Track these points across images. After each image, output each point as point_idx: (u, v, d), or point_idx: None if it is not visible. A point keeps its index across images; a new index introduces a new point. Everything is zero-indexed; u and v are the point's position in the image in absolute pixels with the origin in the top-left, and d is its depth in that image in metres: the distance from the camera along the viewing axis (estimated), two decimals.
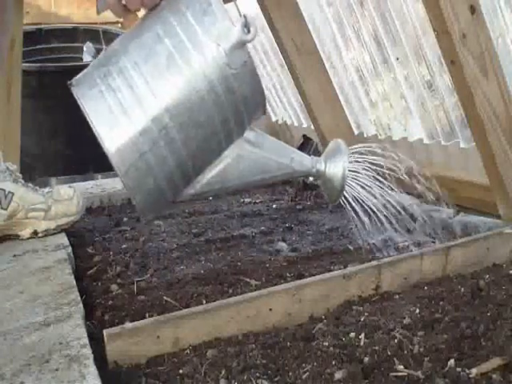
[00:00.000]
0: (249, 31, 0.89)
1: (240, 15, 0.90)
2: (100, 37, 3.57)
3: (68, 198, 1.67)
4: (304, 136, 2.29)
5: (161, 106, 0.89)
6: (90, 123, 0.90)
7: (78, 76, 0.97)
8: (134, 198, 0.95)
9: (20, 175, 1.68)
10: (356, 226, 1.24)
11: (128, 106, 0.89)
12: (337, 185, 1.13)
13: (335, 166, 1.12)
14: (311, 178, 2.00)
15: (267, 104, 2.89)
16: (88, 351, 0.95)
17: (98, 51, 3.39)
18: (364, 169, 1.19)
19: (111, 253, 1.56)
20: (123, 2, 0.95)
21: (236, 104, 0.93)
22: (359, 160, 1.20)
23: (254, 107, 0.98)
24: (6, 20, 1.91)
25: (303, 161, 1.12)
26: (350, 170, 1.14)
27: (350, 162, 1.15)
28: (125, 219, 1.92)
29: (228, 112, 0.93)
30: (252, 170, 1.04)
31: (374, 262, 1.23)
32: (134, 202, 0.96)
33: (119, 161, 0.91)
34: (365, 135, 2.24)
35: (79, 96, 0.92)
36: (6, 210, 1.58)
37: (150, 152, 0.90)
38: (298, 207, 1.98)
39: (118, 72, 0.91)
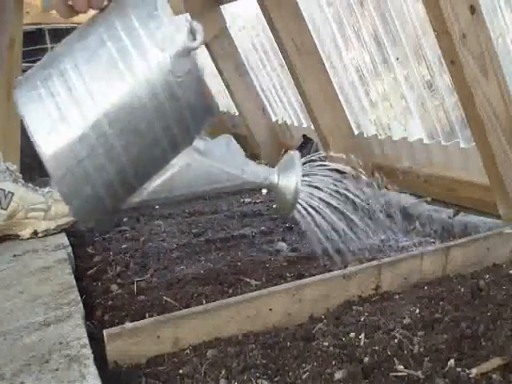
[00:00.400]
0: (195, 38, 0.87)
1: (186, 21, 0.87)
2: None
3: None
4: (304, 136, 2.29)
5: (100, 112, 0.86)
6: (26, 127, 0.88)
7: (21, 77, 0.94)
8: (69, 205, 0.92)
9: (20, 175, 1.68)
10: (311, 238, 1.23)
11: (66, 110, 0.87)
12: (289, 198, 1.11)
13: (288, 178, 1.11)
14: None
15: (267, 104, 2.89)
16: (88, 351, 0.95)
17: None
18: (317, 182, 1.18)
19: (111, 253, 1.57)
20: (69, 2, 0.92)
21: (181, 112, 0.91)
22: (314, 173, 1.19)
23: (202, 116, 0.96)
24: (6, 20, 1.91)
25: (256, 172, 1.09)
26: (304, 183, 1.14)
27: (304, 176, 1.15)
28: (125, 219, 1.92)
29: (172, 120, 0.91)
30: (201, 179, 1.01)
31: (374, 262, 1.23)
32: (69, 208, 0.93)
33: (55, 166, 0.88)
34: (365, 135, 2.24)
35: (17, 99, 0.90)
36: (5, 210, 1.58)
37: (88, 158, 0.87)
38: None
39: (58, 75, 0.88)
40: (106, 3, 0.92)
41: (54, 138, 0.87)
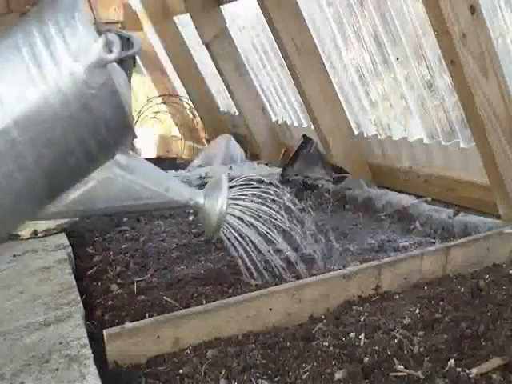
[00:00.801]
0: (111, 51, 0.85)
1: (101, 34, 0.85)
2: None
3: None
4: (304, 136, 2.29)
5: (9, 119, 0.83)
6: None
7: None
8: None
9: None
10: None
11: None
12: (213, 220, 1.10)
13: (214, 201, 1.10)
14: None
15: (267, 104, 2.89)
16: (88, 351, 0.95)
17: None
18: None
19: (111, 253, 1.56)
20: None
21: (95, 124, 0.88)
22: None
23: (120, 130, 0.92)
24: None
25: (181, 191, 1.07)
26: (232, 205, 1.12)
27: (230, 199, 1.14)
28: (125, 219, 1.92)
29: (86, 132, 0.87)
30: (121, 195, 1.00)
31: (374, 262, 1.23)
32: None
33: None
34: (365, 135, 2.24)
35: None
36: None
37: None
38: (297, 207, 1.97)
39: None
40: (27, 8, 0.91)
41: None
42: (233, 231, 1.16)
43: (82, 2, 0.86)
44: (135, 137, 0.99)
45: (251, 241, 1.19)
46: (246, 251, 1.20)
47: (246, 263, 1.23)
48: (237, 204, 1.16)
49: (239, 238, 1.17)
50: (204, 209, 1.11)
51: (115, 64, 0.91)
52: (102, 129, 0.88)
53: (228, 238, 1.17)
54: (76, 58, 0.84)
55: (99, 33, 0.86)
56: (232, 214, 1.15)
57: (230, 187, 1.17)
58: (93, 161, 0.93)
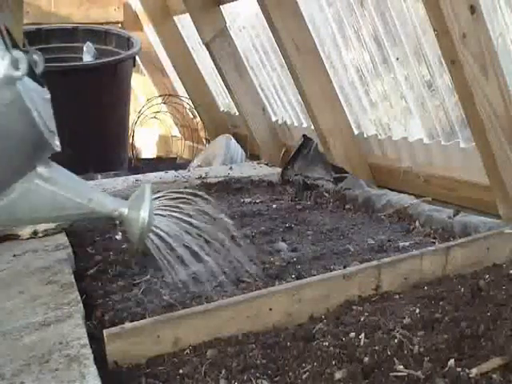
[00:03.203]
0: (18, 67, 0.85)
1: (7, 50, 0.86)
2: (100, 37, 3.57)
3: None
4: (304, 136, 2.29)
5: None
6: None
7: None
8: None
9: None
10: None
11: None
12: (136, 232, 1.10)
13: (137, 211, 1.09)
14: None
15: (267, 104, 2.89)
16: (88, 351, 0.95)
17: (98, 51, 3.39)
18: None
19: (111, 253, 1.56)
20: None
21: (9, 140, 0.89)
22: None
23: (36, 144, 0.94)
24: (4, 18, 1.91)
25: (104, 202, 1.07)
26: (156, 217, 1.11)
27: (155, 209, 1.13)
28: None
29: (1, 146, 0.89)
30: (43, 206, 1.01)
31: (374, 262, 1.23)
32: None
33: None
34: (365, 135, 2.24)
35: None
36: None
37: None
38: (297, 207, 1.97)
39: None
40: None
41: None
42: (159, 243, 1.16)
43: None
44: (54, 150, 0.99)
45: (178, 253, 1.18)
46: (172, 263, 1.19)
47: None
48: (163, 215, 1.16)
49: (166, 249, 1.16)
50: (128, 219, 1.10)
51: (29, 80, 0.90)
52: (17, 144, 0.90)
53: (157, 251, 1.16)
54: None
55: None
56: (158, 226, 1.14)
57: (156, 198, 1.16)
58: (12, 173, 0.94)
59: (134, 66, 3.37)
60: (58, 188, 1.02)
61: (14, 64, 0.85)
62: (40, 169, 0.99)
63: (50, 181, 1.01)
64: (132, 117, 3.73)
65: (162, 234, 1.15)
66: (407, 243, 1.49)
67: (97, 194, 1.10)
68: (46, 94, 0.99)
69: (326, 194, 2.03)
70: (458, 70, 1.37)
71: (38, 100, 0.93)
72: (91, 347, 0.96)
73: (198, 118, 3.73)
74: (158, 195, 1.20)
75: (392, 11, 1.84)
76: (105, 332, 0.99)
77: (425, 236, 1.55)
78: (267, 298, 1.10)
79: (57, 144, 0.99)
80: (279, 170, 2.37)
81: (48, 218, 1.04)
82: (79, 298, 1.18)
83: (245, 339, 1.04)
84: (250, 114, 2.78)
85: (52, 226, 1.64)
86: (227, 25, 2.76)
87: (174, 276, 1.20)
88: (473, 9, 1.33)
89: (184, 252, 1.18)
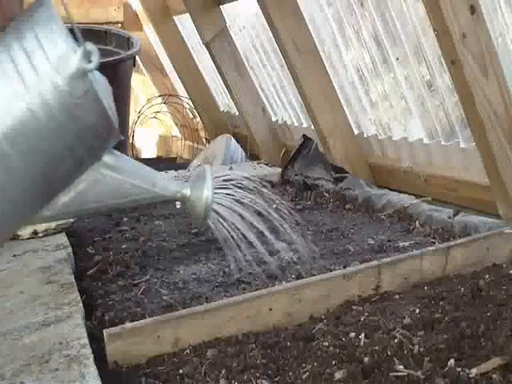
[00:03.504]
0: (90, 60, 0.87)
1: (81, 43, 0.88)
2: (100, 37, 3.57)
3: None
4: (304, 136, 2.29)
5: None
6: None
7: None
8: None
9: None
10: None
11: None
12: (200, 210, 1.11)
13: (199, 191, 1.11)
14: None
15: (267, 104, 2.89)
16: (88, 351, 0.95)
17: (99, 51, 3.38)
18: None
19: (111, 253, 1.56)
20: None
21: (81, 132, 0.91)
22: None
23: (105, 134, 0.96)
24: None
25: (167, 186, 1.10)
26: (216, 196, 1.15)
27: (216, 188, 1.17)
28: (125, 219, 1.92)
29: (73, 140, 0.91)
30: (110, 194, 1.03)
31: (374, 262, 1.23)
32: None
33: None
34: (365, 135, 2.24)
35: None
36: None
37: None
38: (298, 207, 1.97)
39: None
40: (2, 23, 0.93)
41: None
42: (221, 220, 1.18)
43: (58, 15, 0.88)
44: (120, 138, 1.02)
45: (240, 230, 1.21)
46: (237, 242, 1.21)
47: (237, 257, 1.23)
48: (223, 193, 1.18)
49: (228, 227, 1.19)
50: (190, 200, 1.12)
51: (96, 72, 0.93)
52: (88, 135, 0.92)
53: (217, 228, 1.19)
54: (57, 70, 0.86)
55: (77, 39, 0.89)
56: (219, 203, 1.16)
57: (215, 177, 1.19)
58: (81, 165, 0.96)
59: (134, 66, 3.37)
60: (124, 175, 1.04)
61: (87, 56, 0.87)
62: (106, 158, 1.00)
63: (115, 169, 1.02)
64: (132, 117, 3.73)
65: (224, 212, 1.16)
66: (407, 243, 1.49)
67: (159, 178, 1.12)
68: (107, 84, 1.01)
69: (326, 194, 2.03)
70: (458, 70, 1.37)
71: (104, 90, 0.96)
72: (91, 347, 0.96)
73: (198, 118, 3.73)
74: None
75: (392, 11, 1.84)
76: (105, 332, 0.99)
77: (425, 236, 1.55)
78: (267, 297, 1.10)
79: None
80: (279, 170, 2.37)
81: (113, 205, 1.06)
82: (79, 298, 1.18)
83: (245, 339, 1.04)
84: (250, 113, 2.78)
85: (52, 225, 1.64)
86: (227, 25, 2.76)
87: (238, 256, 1.21)
88: (473, 9, 1.33)
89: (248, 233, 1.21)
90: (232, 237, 1.19)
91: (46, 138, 0.89)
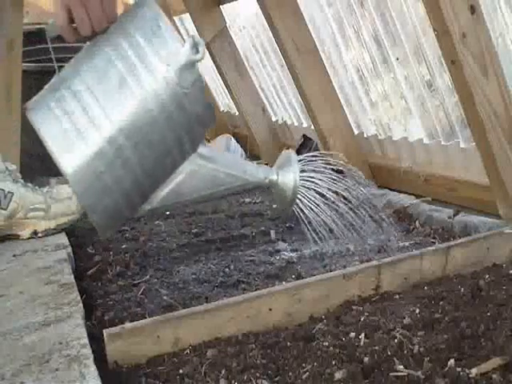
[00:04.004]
0: (197, 51, 0.93)
1: (189, 36, 0.95)
2: None
3: (67, 196, 1.67)
4: (304, 136, 2.29)
5: (115, 128, 0.92)
6: (47, 147, 0.93)
7: (33, 100, 0.98)
8: (91, 217, 0.97)
9: (19, 175, 1.68)
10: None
11: (83, 128, 0.91)
12: (288, 194, 1.14)
13: (287, 176, 1.14)
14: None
15: (267, 104, 2.89)
16: (88, 351, 0.95)
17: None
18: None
19: (111, 253, 1.56)
20: (74, 25, 1.00)
21: (188, 121, 0.96)
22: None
23: (206, 123, 1.01)
24: (4, 19, 1.91)
25: (256, 172, 1.14)
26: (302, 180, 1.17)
27: (302, 172, 1.17)
28: None
29: (181, 130, 0.96)
30: (206, 183, 1.06)
31: (374, 262, 1.23)
32: (92, 220, 0.98)
33: (76, 182, 0.93)
34: (365, 135, 2.24)
35: (34, 120, 0.94)
36: (5, 209, 1.58)
37: (107, 172, 0.92)
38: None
39: (71, 96, 0.93)
40: (106, 25, 0.98)
41: (73, 156, 0.92)
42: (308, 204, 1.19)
43: (162, 12, 0.97)
44: (213, 126, 1.12)
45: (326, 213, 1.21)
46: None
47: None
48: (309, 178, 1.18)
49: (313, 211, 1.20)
50: (278, 185, 1.14)
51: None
52: (193, 125, 0.97)
53: (300, 214, 1.20)
54: (168, 64, 0.92)
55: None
56: (306, 187, 1.17)
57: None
58: (184, 156, 1.01)
59: None
60: (218, 165, 1.08)
61: (195, 48, 0.93)
62: (200, 149, 1.04)
63: (210, 159, 1.06)
64: None
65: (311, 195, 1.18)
66: (407, 243, 1.49)
67: (248, 165, 1.16)
68: None
69: None
70: (458, 70, 1.37)
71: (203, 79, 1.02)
72: (91, 347, 0.96)
73: None
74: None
75: (392, 11, 1.84)
76: (105, 332, 0.99)
77: (425, 236, 1.55)
78: (267, 297, 1.10)
79: None
80: None
81: (208, 195, 1.10)
82: (79, 298, 1.18)
83: (245, 339, 1.04)
84: (250, 114, 2.78)
85: (52, 225, 1.64)
86: (227, 25, 2.76)
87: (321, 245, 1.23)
88: (473, 9, 1.33)
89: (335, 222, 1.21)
90: (318, 222, 1.20)
91: (158, 130, 0.94)
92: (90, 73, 0.94)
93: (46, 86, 0.98)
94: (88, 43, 1.03)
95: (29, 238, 1.62)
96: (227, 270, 1.39)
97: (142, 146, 0.93)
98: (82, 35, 1.00)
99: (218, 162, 1.08)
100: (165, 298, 1.23)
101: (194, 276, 1.36)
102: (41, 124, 0.93)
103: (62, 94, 0.93)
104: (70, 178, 0.93)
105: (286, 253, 1.51)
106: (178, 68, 0.92)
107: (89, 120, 0.91)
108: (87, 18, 0.97)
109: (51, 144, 0.92)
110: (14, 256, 1.48)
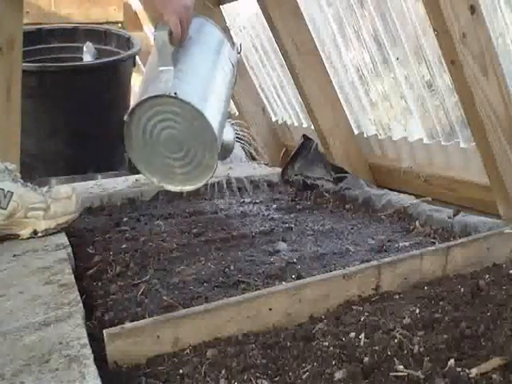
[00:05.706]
0: (239, 52, 1.68)
1: (234, 43, 1.67)
2: (100, 37, 3.57)
3: (67, 196, 1.67)
4: (304, 136, 2.29)
5: (223, 91, 1.57)
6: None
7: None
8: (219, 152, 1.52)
9: (19, 175, 1.68)
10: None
11: (205, 96, 1.50)
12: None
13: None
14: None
15: (267, 104, 2.89)
16: (88, 351, 0.95)
17: (98, 51, 3.39)
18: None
19: (111, 253, 1.56)
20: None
21: (234, 84, 1.66)
22: None
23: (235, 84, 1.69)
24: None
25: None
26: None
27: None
28: (125, 219, 1.92)
29: (231, 89, 1.65)
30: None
31: (374, 262, 1.23)
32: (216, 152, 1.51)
33: (214, 128, 1.47)
34: (365, 135, 2.24)
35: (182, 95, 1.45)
36: (5, 209, 1.58)
37: (221, 118, 1.55)
38: (298, 207, 1.98)
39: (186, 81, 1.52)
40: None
41: (207, 111, 1.46)
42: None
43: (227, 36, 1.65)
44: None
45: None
46: None
47: None
48: None
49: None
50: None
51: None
52: (234, 85, 1.66)
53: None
54: (230, 59, 1.63)
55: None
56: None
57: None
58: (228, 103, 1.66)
59: (134, 66, 3.37)
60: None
61: (235, 46, 1.67)
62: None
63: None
64: None
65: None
66: (407, 243, 1.49)
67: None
68: None
69: (326, 194, 2.03)
70: (458, 70, 1.37)
71: None
72: (91, 347, 0.96)
73: None
74: None
75: (392, 11, 1.84)
76: (105, 332, 0.99)
77: (425, 236, 1.55)
78: (267, 297, 1.10)
79: None
80: (279, 169, 2.37)
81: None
82: (79, 298, 1.18)
83: (245, 339, 1.04)
84: (250, 113, 2.78)
85: (52, 225, 1.64)
86: (227, 25, 2.76)
87: None
88: (473, 9, 1.33)
89: None
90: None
91: (229, 88, 1.61)
92: (197, 68, 1.51)
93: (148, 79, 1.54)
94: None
95: (29, 238, 1.62)
96: (227, 270, 1.39)
97: (227, 98, 1.60)
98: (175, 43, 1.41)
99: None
100: (165, 298, 1.23)
101: (193, 276, 1.36)
102: (185, 94, 1.44)
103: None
104: (212, 124, 1.46)
105: (285, 253, 1.51)
106: (233, 61, 1.65)
107: (208, 91, 1.51)
108: (186, 32, 1.44)
109: (195, 104, 1.44)
110: (14, 256, 1.48)
